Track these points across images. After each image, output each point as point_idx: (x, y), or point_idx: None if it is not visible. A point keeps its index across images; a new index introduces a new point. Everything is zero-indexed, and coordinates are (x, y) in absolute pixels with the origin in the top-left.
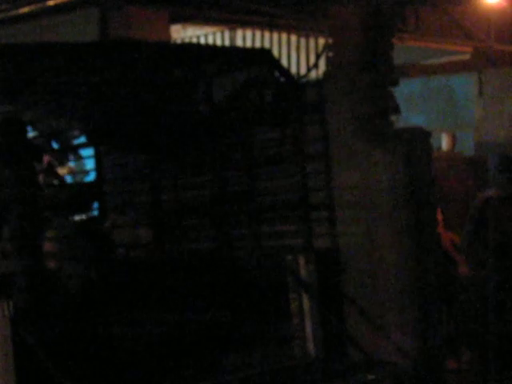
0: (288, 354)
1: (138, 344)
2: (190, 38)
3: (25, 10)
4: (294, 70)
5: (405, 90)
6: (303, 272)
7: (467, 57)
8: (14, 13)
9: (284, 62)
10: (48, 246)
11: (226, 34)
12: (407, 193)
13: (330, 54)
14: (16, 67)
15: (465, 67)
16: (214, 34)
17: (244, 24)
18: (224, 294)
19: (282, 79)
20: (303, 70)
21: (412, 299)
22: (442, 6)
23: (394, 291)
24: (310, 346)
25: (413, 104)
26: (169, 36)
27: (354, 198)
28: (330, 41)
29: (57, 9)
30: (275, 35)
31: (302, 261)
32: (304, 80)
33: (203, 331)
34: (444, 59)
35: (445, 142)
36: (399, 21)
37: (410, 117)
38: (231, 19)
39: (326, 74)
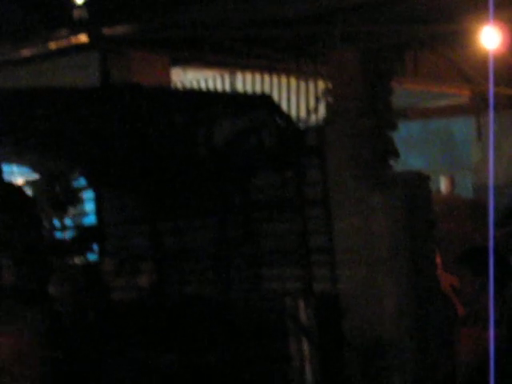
0: None
1: None
2: (191, 81)
3: (26, 53)
4: (294, 113)
5: (404, 133)
6: (303, 316)
7: (466, 100)
8: (15, 55)
9: (284, 106)
10: (51, 290)
11: (227, 78)
12: (406, 237)
13: (330, 99)
14: (16, 111)
15: (463, 110)
16: (215, 77)
17: (244, 67)
18: (223, 337)
19: (282, 123)
20: (303, 114)
21: (412, 343)
22: (440, 49)
23: (393, 336)
24: None
25: (412, 146)
26: (169, 79)
27: (353, 242)
28: (330, 85)
29: (58, 52)
30: (275, 79)
31: (301, 305)
32: (304, 124)
33: (202, 374)
34: (443, 102)
35: (444, 185)
36: (398, 65)
37: (408, 159)
38: (231, 63)
39: (325, 118)
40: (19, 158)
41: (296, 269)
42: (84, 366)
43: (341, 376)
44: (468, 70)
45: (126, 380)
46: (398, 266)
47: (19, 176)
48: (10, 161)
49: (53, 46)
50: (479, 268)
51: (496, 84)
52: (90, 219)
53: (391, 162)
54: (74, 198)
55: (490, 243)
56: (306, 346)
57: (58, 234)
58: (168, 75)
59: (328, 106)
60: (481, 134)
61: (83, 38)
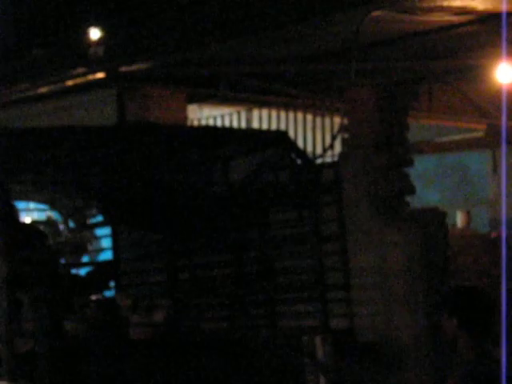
0: None
1: None
2: (207, 117)
3: (43, 89)
4: (309, 149)
5: (419, 167)
6: (320, 353)
7: (481, 134)
8: (32, 93)
9: (300, 142)
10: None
11: (243, 114)
12: (423, 273)
13: (346, 135)
14: (35, 149)
15: (479, 144)
16: (231, 114)
17: (260, 104)
18: (240, 375)
19: (298, 160)
20: (319, 150)
21: (430, 379)
22: (454, 83)
23: (412, 373)
24: None
25: (427, 181)
26: (186, 116)
27: (370, 278)
28: (346, 122)
29: (75, 89)
30: (291, 115)
31: (318, 341)
32: (320, 160)
33: None
34: (458, 136)
35: (460, 219)
36: (413, 100)
37: (424, 193)
38: (247, 99)
39: (341, 154)
40: (37, 195)
41: (312, 305)
42: None
43: None
44: (483, 104)
45: None
46: (414, 302)
47: (36, 212)
48: (28, 198)
49: (70, 83)
50: (454, 309)
51: (510, 118)
52: (107, 255)
53: (407, 198)
54: (90, 235)
55: (503, 277)
56: (322, 383)
57: (75, 271)
58: (184, 112)
59: (344, 142)
60: (496, 167)
61: (100, 75)
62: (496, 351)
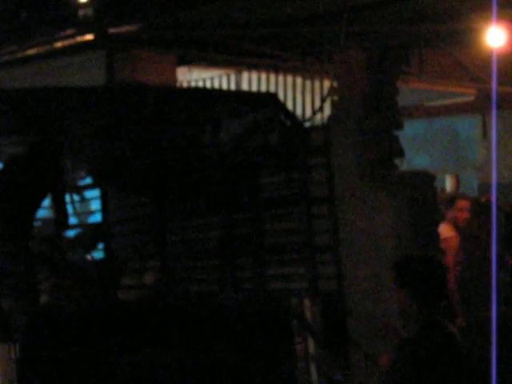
0: None
1: None
2: (196, 80)
3: (32, 52)
4: (299, 112)
5: (409, 132)
6: (308, 315)
7: (471, 99)
8: (20, 55)
9: (289, 105)
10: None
11: (232, 77)
12: (411, 235)
13: (336, 98)
14: (23, 110)
15: (469, 109)
16: (220, 76)
17: (250, 67)
18: (228, 337)
19: (288, 122)
20: (309, 113)
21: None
22: (445, 48)
23: (399, 334)
24: None
25: (417, 145)
26: (175, 78)
27: (359, 240)
28: (335, 84)
29: (63, 51)
30: (281, 78)
31: (307, 304)
32: (309, 123)
33: (205, 374)
34: (448, 101)
35: (449, 184)
36: (403, 63)
37: (414, 158)
38: (237, 62)
39: (331, 117)
40: None
41: (301, 268)
42: (89, 363)
43: (345, 373)
44: (473, 68)
45: (130, 378)
46: None
47: None
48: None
49: (58, 45)
50: (405, 279)
51: (501, 83)
52: (96, 217)
53: (396, 162)
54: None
55: (493, 242)
56: (311, 345)
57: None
58: (173, 74)
59: (334, 105)
60: (486, 132)
61: (89, 37)
62: (450, 327)
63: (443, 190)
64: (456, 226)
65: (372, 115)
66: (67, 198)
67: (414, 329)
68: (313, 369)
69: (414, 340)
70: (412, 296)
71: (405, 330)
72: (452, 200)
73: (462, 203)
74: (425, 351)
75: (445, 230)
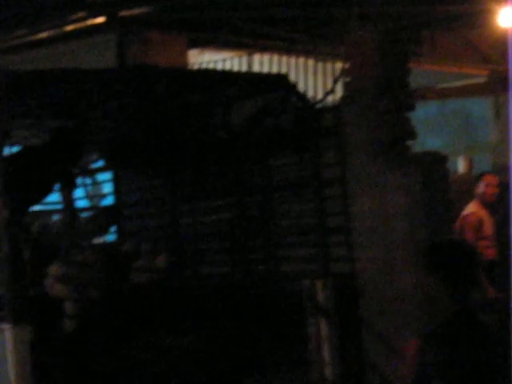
0: (305, 379)
1: (156, 367)
2: (208, 62)
3: (43, 35)
4: (310, 94)
5: (421, 113)
6: (321, 297)
7: (484, 80)
8: (32, 38)
9: (301, 87)
10: (60, 270)
11: (244, 59)
12: (424, 217)
13: (347, 79)
14: (35, 93)
15: (481, 90)
16: (232, 58)
17: (261, 49)
18: (241, 319)
19: (300, 104)
20: (320, 95)
21: (429, 324)
22: (457, 29)
23: (411, 316)
24: (328, 371)
25: (429, 127)
26: (186, 61)
27: (371, 222)
28: (347, 66)
29: (75, 34)
30: (292, 60)
31: (319, 285)
32: (321, 105)
33: (219, 356)
34: (460, 82)
35: (461, 166)
36: (415, 45)
37: (426, 140)
38: (249, 44)
39: (343, 98)
40: (37, 140)
41: (313, 249)
42: (102, 346)
43: (358, 356)
44: (486, 49)
45: (144, 361)
46: (414, 246)
47: None
48: (28, 143)
49: (69, 28)
50: (433, 265)
51: None
52: (108, 200)
53: (408, 143)
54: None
55: (510, 226)
56: (323, 327)
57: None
58: (185, 57)
59: (345, 87)
60: (499, 113)
61: (100, 19)
62: (482, 316)
63: (455, 171)
64: (484, 201)
65: (384, 97)
66: (79, 181)
67: (442, 316)
68: (325, 350)
69: (442, 328)
70: (442, 282)
71: (431, 317)
72: (480, 176)
73: (489, 178)
74: (454, 340)
75: (468, 207)
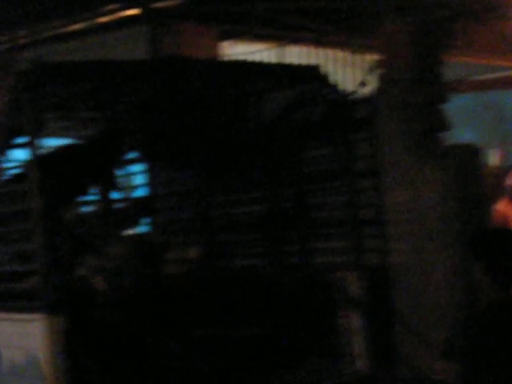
0: (337, 371)
1: (187, 360)
2: (240, 54)
3: (75, 27)
4: (342, 86)
5: (454, 106)
6: (353, 289)
7: None
8: (64, 30)
9: (333, 79)
10: (94, 261)
11: (276, 51)
12: (457, 209)
13: (381, 71)
14: (69, 84)
15: None
16: (264, 50)
17: (293, 40)
18: (272, 311)
19: (332, 95)
20: (352, 87)
21: (461, 316)
22: (491, 21)
23: (443, 308)
24: (360, 362)
25: (461, 119)
26: (218, 53)
27: (404, 214)
28: (381, 58)
29: (107, 26)
30: (324, 52)
31: (352, 278)
32: (353, 97)
33: (252, 347)
34: (493, 75)
35: (494, 158)
36: (448, 37)
37: (458, 132)
38: (280, 36)
39: (376, 90)
40: (71, 132)
41: (346, 241)
42: (136, 338)
43: (390, 348)
44: None
45: (178, 353)
46: (447, 238)
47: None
48: (61, 134)
49: (103, 19)
50: (477, 253)
51: None
52: (141, 192)
53: (442, 135)
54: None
55: None
56: (355, 319)
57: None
58: (217, 49)
59: (379, 78)
60: None
61: (132, 11)
62: None
63: (488, 164)
64: None
65: (416, 88)
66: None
67: (484, 305)
68: (357, 341)
69: (485, 316)
70: (485, 270)
71: (471, 307)
72: (509, 168)
73: None
74: (496, 326)
75: (498, 203)
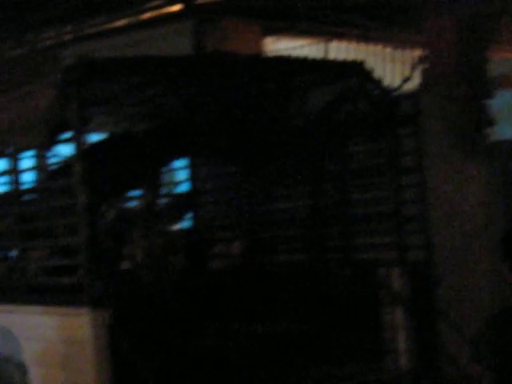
0: (380, 368)
1: (228, 355)
2: (284, 50)
3: (119, 23)
4: (387, 82)
5: (498, 102)
6: (396, 285)
7: None
8: (109, 26)
9: (377, 75)
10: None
11: (320, 47)
12: (502, 205)
13: (425, 67)
14: (114, 79)
15: None
16: (308, 46)
17: (338, 36)
18: (315, 306)
19: (376, 91)
20: (396, 82)
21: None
22: None
23: (487, 305)
24: (403, 359)
25: (506, 116)
26: (262, 48)
27: (449, 210)
28: (426, 53)
29: (151, 22)
30: (369, 47)
31: (395, 274)
32: (398, 92)
33: (294, 343)
34: None
35: None
36: (493, 33)
37: (503, 128)
38: (325, 31)
39: (421, 86)
40: (114, 127)
41: (390, 237)
42: (179, 331)
43: (434, 345)
44: None
45: (219, 347)
46: (492, 235)
47: None
48: (104, 129)
49: (146, 15)
50: (505, 252)
51: None
52: (184, 187)
53: (487, 131)
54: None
55: None
56: (399, 315)
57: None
58: (260, 44)
59: (424, 74)
60: None
61: (176, 7)
62: None
63: None
64: None
65: (462, 84)
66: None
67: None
68: (400, 338)
69: (506, 313)
70: (510, 269)
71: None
72: None
73: None
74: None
75: None
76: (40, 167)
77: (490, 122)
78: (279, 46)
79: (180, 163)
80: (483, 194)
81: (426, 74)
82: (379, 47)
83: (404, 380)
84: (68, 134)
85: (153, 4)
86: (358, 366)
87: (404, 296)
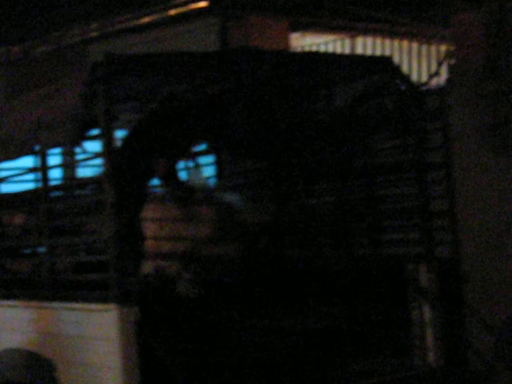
0: (408, 364)
1: (259, 351)
2: (310, 46)
3: (145, 20)
4: (414, 77)
5: None
6: (424, 281)
7: None
8: (134, 23)
9: (405, 70)
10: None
11: (346, 42)
12: None
13: (453, 62)
14: (142, 76)
15: None
16: (334, 41)
17: (364, 31)
18: (342, 302)
19: (403, 87)
20: (424, 78)
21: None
22: None
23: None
24: (431, 355)
25: None
26: (288, 44)
27: (476, 206)
28: (453, 48)
29: (177, 19)
30: (396, 43)
31: (423, 269)
32: (425, 88)
33: (321, 339)
34: None
35: None
36: None
37: None
38: (351, 27)
39: (448, 81)
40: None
41: (417, 233)
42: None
43: (462, 342)
44: None
45: (253, 343)
46: None
47: None
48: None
49: (172, 12)
50: None
51: None
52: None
53: None
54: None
55: None
56: (426, 311)
57: None
58: (286, 40)
59: (451, 69)
60: None
61: (202, 4)
62: None
63: None
64: None
65: (490, 79)
66: (182, 164)
67: None
68: (428, 334)
69: None
70: None
71: None
72: None
73: None
74: None
75: None
76: (68, 164)
77: None
78: (305, 41)
79: (207, 159)
80: (510, 189)
81: (453, 70)
82: (405, 42)
83: (432, 376)
84: (96, 131)
85: (179, 0)
86: (386, 363)
87: (431, 291)
